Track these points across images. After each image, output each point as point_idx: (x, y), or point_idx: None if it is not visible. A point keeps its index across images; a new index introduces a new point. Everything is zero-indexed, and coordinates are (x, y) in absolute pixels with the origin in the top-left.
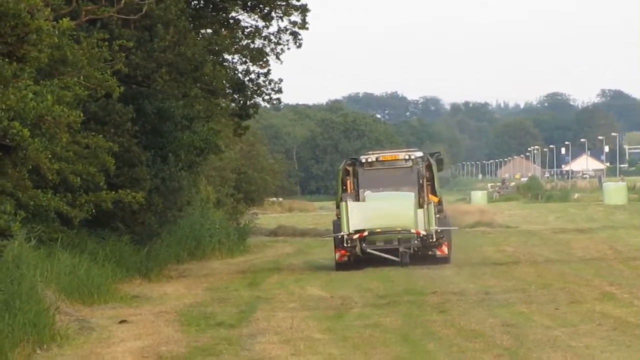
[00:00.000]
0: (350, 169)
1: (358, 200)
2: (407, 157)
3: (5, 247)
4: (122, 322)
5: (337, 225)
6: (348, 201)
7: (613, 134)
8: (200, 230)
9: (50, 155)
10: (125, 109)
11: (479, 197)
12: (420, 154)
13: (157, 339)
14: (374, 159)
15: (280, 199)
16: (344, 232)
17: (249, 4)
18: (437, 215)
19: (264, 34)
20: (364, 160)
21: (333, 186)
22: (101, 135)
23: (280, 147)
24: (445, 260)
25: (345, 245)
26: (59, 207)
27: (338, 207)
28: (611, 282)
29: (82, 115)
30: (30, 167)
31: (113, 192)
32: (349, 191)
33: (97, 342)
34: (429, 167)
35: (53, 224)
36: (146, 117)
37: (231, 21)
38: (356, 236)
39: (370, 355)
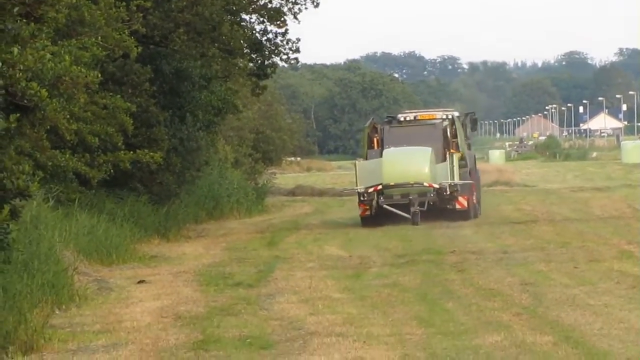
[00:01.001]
0: (377, 126)
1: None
2: (444, 116)
3: (24, 207)
4: (140, 282)
5: None
6: (358, 160)
7: (631, 92)
8: (218, 190)
9: (68, 116)
10: (143, 69)
11: (496, 156)
12: (456, 113)
13: (176, 299)
14: (411, 118)
15: (299, 158)
16: (357, 188)
17: None
18: (459, 170)
19: None
20: (402, 119)
21: (351, 145)
22: (119, 96)
23: (298, 106)
24: (465, 213)
25: (363, 199)
26: (77, 168)
27: None
28: (629, 241)
29: (99, 75)
30: (49, 127)
31: (131, 153)
32: (375, 148)
33: (115, 302)
34: (453, 125)
35: (71, 184)
36: (164, 77)
37: None
38: (371, 190)
39: (389, 314)
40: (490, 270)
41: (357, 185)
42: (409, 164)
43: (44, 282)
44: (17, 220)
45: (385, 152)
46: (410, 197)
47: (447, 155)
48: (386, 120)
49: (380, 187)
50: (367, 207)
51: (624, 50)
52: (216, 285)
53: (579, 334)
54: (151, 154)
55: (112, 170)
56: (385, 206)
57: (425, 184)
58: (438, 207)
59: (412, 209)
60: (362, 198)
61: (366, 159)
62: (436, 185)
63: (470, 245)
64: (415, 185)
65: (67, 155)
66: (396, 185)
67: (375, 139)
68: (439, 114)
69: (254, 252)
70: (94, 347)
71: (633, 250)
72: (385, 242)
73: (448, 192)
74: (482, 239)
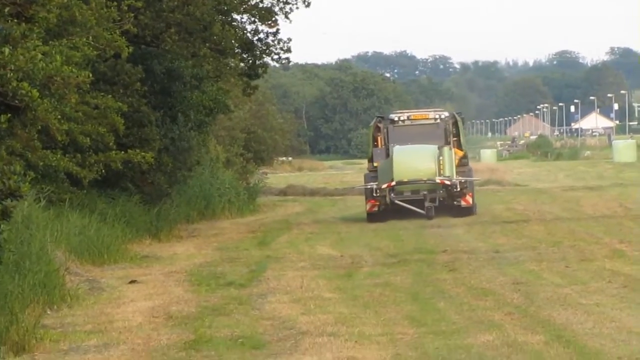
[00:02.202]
0: (380, 125)
1: (387, 154)
2: (436, 116)
3: (15, 207)
4: (132, 282)
5: (369, 178)
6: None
7: (622, 91)
8: (209, 190)
9: (59, 116)
10: (134, 69)
11: (488, 155)
12: (447, 113)
13: (167, 298)
14: (404, 118)
15: (290, 158)
16: (371, 184)
17: None
18: (462, 168)
19: None
20: (396, 119)
21: (343, 145)
22: (110, 96)
23: (290, 106)
24: (469, 210)
25: (375, 195)
26: (69, 168)
27: (370, 161)
28: (621, 240)
29: (91, 75)
30: (40, 127)
31: (122, 152)
32: (379, 147)
33: (107, 302)
34: (455, 124)
35: (62, 184)
36: (155, 77)
37: None
38: (384, 186)
39: (381, 314)
40: (482, 270)
41: (378, 183)
42: (418, 161)
43: (35, 282)
44: (9, 220)
45: (395, 149)
46: (423, 193)
47: (446, 152)
48: (379, 120)
49: (393, 183)
50: (377, 203)
51: (616, 49)
52: (208, 285)
53: (570, 333)
54: (142, 154)
55: (103, 170)
56: (397, 202)
57: (438, 180)
58: (446, 203)
59: (426, 204)
60: (375, 194)
61: (371, 157)
62: (447, 182)
63: (461, 244)
64: (428, 181)
65: (59, 156)
66: (409, 182)
67: (379, 138)
68: (430, 113)
69: (245, 251)
70: (86, 347)
71: (625, 249)
72: (377, 241)
73: (458, 189)
74: (473, 239)
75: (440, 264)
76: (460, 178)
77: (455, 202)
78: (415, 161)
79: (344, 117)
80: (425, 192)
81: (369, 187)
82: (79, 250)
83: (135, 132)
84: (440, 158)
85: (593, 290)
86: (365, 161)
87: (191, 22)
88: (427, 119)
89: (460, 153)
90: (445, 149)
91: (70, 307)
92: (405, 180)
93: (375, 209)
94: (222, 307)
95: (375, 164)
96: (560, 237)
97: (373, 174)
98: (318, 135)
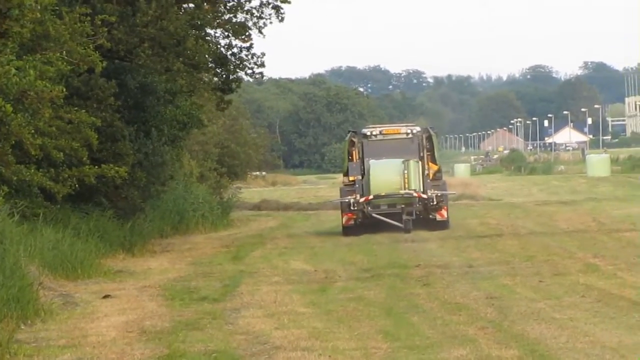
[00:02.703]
0: (355, 140)
1: (362, 168)
2: (408, 131)
3: None
4: (105, 297)
5: (344, 192)
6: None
7: (596, 106)
8: (183, 205)
9: (33, 131)
10: (107, 83)
11: (462, 169)
12: (419, 128)
13: (141, 313)
14: (377, 132)
15: (264, 173)
16: (349, 198)
17: None
18: (437, 182)
19: (246, 8)
20: (368, 133)
21: (316, 160)
22: (84, 110)
23: (263, 121)
24: (444, 224)
25: (352, 209)
26: (42, 182)
27: (345, 175)
28: (595, 254)
29: (64, 90)
30: (13, 142)
31: (96, 167)
32: (354, 161)
33: (81, 317)
34: (429, 138)
35: (36, 199)
36: (129, 91)
37: None
38: (362, 200)
39: (355, 328)
40: (456, 284)
41: (358, 197)
42: (394, 174)
43: (9, 297)
44: None
45: (371, 163)
46: (400, 206)
47: (412, 165)
48: (353, 134)
49: (371, 197)
50: (353, 217)
51: (589, 63)
52: (181, 300)
53: (544, 348)
54: (116, 168)
55: (77, 185)
56: (375, 215)
57: (414, 193)
58: (421, 217)
59: (404, 217)
60: (351, 208)
61: (346, 171)
62: (424, 195)
63: (435, 259)
64: (405, 195)
65: (32, 170)
66: (386, 195)
67: (354, 152)
68: (402, 128)
69: (219, 266)
70: None
71: (598, 263)
72: (351, 256)
73: (435, 202)
74: (447, 253)
75: (414, 279)
76: (436, 192)
77: (430, 216)
78: (388, 175)
79: (318, 132)
80: (402, 206)
81: (345, 200)
82: (52, 265)
83: (109, 146)
84: (405, 172)
85: (567, 304)
86: (339, 175)
87: (165, 37)
88: (399, 133)
89: (435, 167)
90: (411, 162)
91: (44, 321)
92: (382, 194)
93: (352, 222)
94: (196, 322)
95: (350, 178)
96: (533, 251)
97: (348, 188)
98: (292, 149)
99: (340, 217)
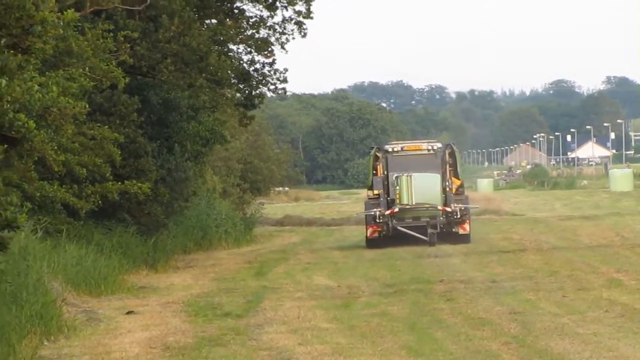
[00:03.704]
0: (379, 155)
1: (387, 182)
2: (429, 147)
3: (12, 239)
4: (129, 313)
5: (369, 205)
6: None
7: (619, 120)
8: (206, 221)
9: (56, 147)
10: (130, 100)
11: (485, 184)
12: (440, 144)
13: (165, 329)
14: (398, 149)
15: (287, 188)
16: (374, 211)
17: None
18: (459, 196)
19: (268, 24)
20: (390, 149)
21: (339, 175)
22: (107, 127)
23: (286, 136)
24: (466, 238)
25: (377, 221)
26: (65, 199)
27: (369, 189)
28: (618, 269)
29: (87, 106)
30: (36, 158)
31: (119, 183)
32: (378, 175)
33: (104, 333)
34: (451, 154)
35: (59, 215)
36: (152, 107)
37: (236, 11)
38: (387, 212)
39: (378, 344)
40: (479, 300)
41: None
42: (420, 188)
43: (32, 313)
44: (5, 251)
45: (397, 177)
46: (424, 220)
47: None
48: (377, 150)
49: (396, 210)
50: (378, 229)
51: (612, 78)
52: (205, 316)
53: None
54: (139, 184)
55: (100, 201)
56: (400, 228)
57: (439, 207)
58: (444, 230)
59: (429, 230)
60: (377, 220)
61: (371, 185)
62: (449, 209)
63: (458, 274)
64: (429, 208)
65: (55, 187)
66: (411, 208)
67: (378, 167)
68: (423, 145)
69: (242, 282)
70: None
71: (622, 278)
72: (374, 271)
73: (459, 216)
74: (470, 268)
75: (438, 294)
76: (460, 205)
77: (453, 230)
78: (418, 188)
79: (340, 147)
80: (427, 219)
81: (371, 213)
82: (76, 281)
83: (132, 162)
84: (446, 185)
85: (590, 319)
86: (362, 191)
87: (187, 53)
88: (421, 149)
89: (457, 182)
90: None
91: (68, 338)
92: (408, 206)
93: (376, 235)
94: (219, 338)
95: (375, 192)
96: (557, 266)
97: (373, 201)
98: (314, 165)
99: (365, 230)
